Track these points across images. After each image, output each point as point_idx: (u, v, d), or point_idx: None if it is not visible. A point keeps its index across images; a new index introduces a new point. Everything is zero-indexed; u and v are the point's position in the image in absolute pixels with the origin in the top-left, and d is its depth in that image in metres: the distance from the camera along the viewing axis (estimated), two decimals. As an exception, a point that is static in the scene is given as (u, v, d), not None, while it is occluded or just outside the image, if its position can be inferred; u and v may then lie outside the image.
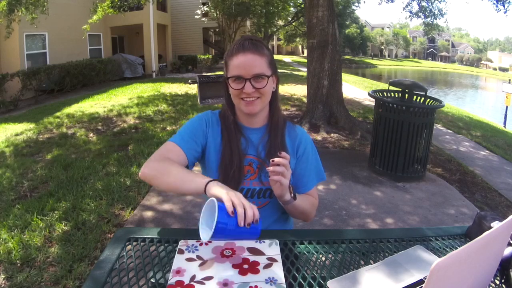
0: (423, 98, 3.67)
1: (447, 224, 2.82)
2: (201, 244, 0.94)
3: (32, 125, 5.94)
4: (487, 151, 5.17)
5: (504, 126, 8.99)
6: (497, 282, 0.84)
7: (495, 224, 0.93)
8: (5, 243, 2.37)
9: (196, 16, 17.19)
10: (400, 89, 3.79)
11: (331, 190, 3.38)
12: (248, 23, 19.62)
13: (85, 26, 8.37)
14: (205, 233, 0.82)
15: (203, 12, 17.15)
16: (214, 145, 1.15)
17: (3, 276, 2.05)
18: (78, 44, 11.88)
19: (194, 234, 1.02)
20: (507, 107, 9.20)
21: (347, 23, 38.52)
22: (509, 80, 10.31)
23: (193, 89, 9.54)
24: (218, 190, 0.87)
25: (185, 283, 0.79)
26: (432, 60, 68.03)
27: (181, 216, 2.82)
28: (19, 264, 2.17)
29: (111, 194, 3.15)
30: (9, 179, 3.54)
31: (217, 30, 19.25)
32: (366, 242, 1.01)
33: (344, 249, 0.97)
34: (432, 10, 9.99)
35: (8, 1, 6.85)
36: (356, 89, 11.69)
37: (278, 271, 0.84)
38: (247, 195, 1.12)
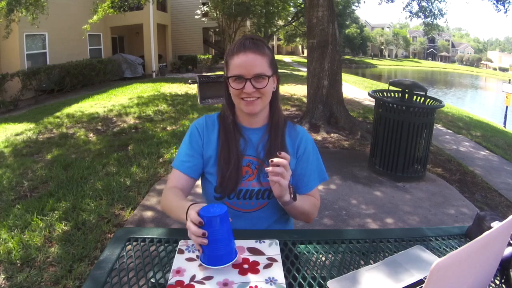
0: (423, 98, 3.67)
1: (447, 224, 2.82)
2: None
3: (32, 125, 5.94)
4: (487, 151, 5.17)
5: (504, 126, 8.99)
6: (497, 282, 0.84)
7: (495, 224, 0.93)
8: (5, 243, 2.37)
9: (196, 16, 17.18)
10: (400, 89, 3.79)
11: (331, 190, 3.38)
12: (248, 23, 19.61)
13: (85, 26, 8.37)
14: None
15: (203, 12, 17.15)
16: (211, 149, 1.15)
17: (3, 276, 2.05)
18: (78, 44, 11.88)
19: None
20: (507, 107, 9.20)
21: (347, 23, 38.51)
22: (509, 80, 10.30)
23: (193, 89, 9.55)
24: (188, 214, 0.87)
25: (185, 283, 0.79)
26: (432, 60, 68.03)
27: (181, 216, 2.81)
28: (19, 264, 2.17)
29: (111, 194, 3.15)
30: (9, 179, 3.54)
31: (217, 30, 19.25)
32: (366, 242, 1.01)
33: (344, 249, 0.97)
34: (432, 10, 9.99)
35: (8, 1, 6.85)
36: (356, 89, 11.69)
37: (278, 271, 0.84)
38: (246, 196, 1.11)
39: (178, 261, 0.88)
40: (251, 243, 0.95)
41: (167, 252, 0.94)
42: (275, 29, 22.68)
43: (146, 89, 9.58)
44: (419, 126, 3.47)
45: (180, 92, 9.11)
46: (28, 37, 10.16)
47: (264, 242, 0.96)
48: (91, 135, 5.26)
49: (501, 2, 7.56)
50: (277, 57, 37.68)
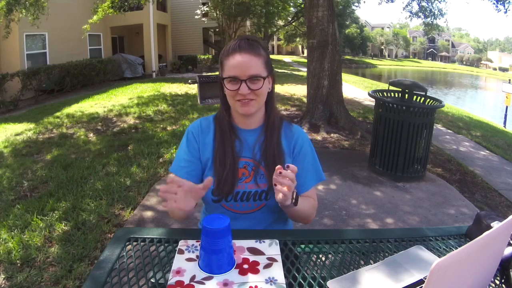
0: (423, 98, 3.67)
1: (447, 224, 2.82)
2: (200, 245, 0.94)
3: (32, 125, 5.94)
4: (487, 151, 5.17)
5: (504, 126, 8.99)
6: (497, 282, 0.84)
7: (495, 224, 0.93)
8: (5, 243, 2.37)
9: (196, 16, 17.18)
10: (400, 89, 3.79)
11: (331, 190, 3.38)
12: (248, 23, 19.62)
13: (85, 26, 8.37)
14: None
15: (203, 12, 17.15)
16: (208, 151, 1.14)
17: (3, 276, 2.06)
18: (78, 44, 11.88)
19: (194, 234, 1.02)
20: (507, 107, 9.20)
21: (347, 23, 38.51)
22: (509, 80, 10.30)
23: (193, 89, 9.55)
24: None
25: (185, 283, 0.79)
26: (432, 60, 68.03)
27: (181, 216, 2.81)
28: (19, 264, 2.17)
29: (111, 194, 3.15)
30: (9, 179, 3.54)
31: (217, 30, 19.24)
32: (366, 242, 1.01)
33: (344, 249, 0.97)
34: (432, 10, 9.99)
35: (7, 1, 6.84)
36: (356, 89, 11.69)
37: (278, 271, 0.84)
38: (243, 198, 1.11)
39: (178, 261, 0.88)
40: (251, 243, 0.95)
41: (167, 252, 0.94)
42: (275, 29, 22.69)
43: (146, 89, 9.58)
44: (419, 126, 3.47)
45: (180, 92, 9.11)
46: (28, 37, 10.16)
47: (264, 242, 0.96)
48: (91, 135, 5.26)
49: (501, 2, 7.56)
50: (277, 57, 37.84)
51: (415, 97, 3.70)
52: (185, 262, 0.87)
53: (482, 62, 70.12)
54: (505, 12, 7.64)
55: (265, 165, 1.11)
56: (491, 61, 69.06)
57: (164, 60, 16.51)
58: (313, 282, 0.83)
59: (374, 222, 2.81)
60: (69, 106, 7.63)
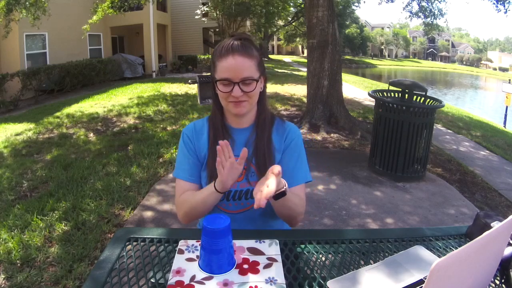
0: (423, 98, 3.67)
1: (447, 224, 2.82)
2: (200, 245, 0.94)
3: (32, 125, 5.94)
4: (487, 151, 5.17)
5: (504, 126, 8.99)
6: (497, 282, 0.84)
7: (495, 224, 0.93)
8: (5, 243, 2.37)
9: (196, 16, 17.19)
10: (400, 89, 3.79)
11: (331, 190, 3.38)
12: (248, 23, 19.63)
13: (85, 26, 8.37)
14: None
15: (203, 12, 17.15)
16: (204, 151, 1.15)
17: (3, 276, 2.06)
18: (78, 44, 11.88)
19: (194, 234, 1.02)
20: (507, 107, 9.20)
21: (347, 23, 38.55)
22: (509, 80, 10.30)
23: (193, 89, 9.55)
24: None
25: (185, 283, 0.79)
26: (432, 60, 68.03)
27: (181, 216, 2.81)
28: (19, 264, 2.17)
29: (111, 194, 3.15)
30: (9, 179, 3.54)
31: (217, 30, 19.25)
32: (366, 242, 1.01)
33: (344, 249, 0.97)
34: (432, 10, 10.00)
35: (7, 1, 6.84)
36: (356, 89, 11.69)
37: (278, 271, 0.84)
38: (235, 197, 1.11)
39: (178, 261, 0.88)
40: (251, 243, 0.95)
41: (167, 252, 0.94)
42: (275, 29, 22.71)
43: (146, 89, 9.58)
44: (419, 126, 3.47)
45: (180, 92, 9.11)
46: (28, 37, 10.16)
47: (264, 242, 0.96)
48: (91, 135, 5.26)
49: (501, 2, 7.57)
50: (277, 57, 37.85)
51: (415, 97, 3.70)
52: (185, 262, 0.87)
53: (482, 62, 70.13)
54: (505, 12, 7.66)
55: (255, 162, 1.12)
56: (491, 61, 69.06)
57: (164, 60, 16.51)
58: (313, 282, 0.83)
59: (374, 222, 2.81)
60: (69, 106, 7.63)
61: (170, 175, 3.57)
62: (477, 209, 3.12)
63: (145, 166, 3.85)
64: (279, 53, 49.14)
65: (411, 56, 69.54)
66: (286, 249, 0.95)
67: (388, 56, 65.87)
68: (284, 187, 0.95)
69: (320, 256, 0.94)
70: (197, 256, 0.89)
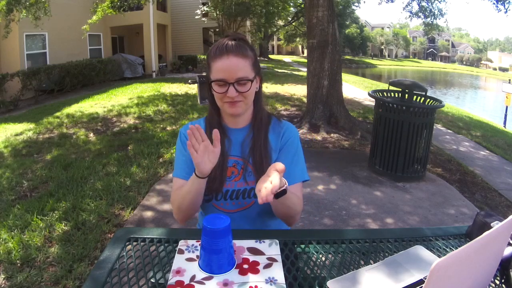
0: (423, 98, 3.67)
1: (447, 224, 2.82)
2: (201, 245, 0.94)
3: (32, 125, 5.94)
4: (487, 151, 5.17)
5: (504, 126, 8.99)
6: (497, 282, 0.84)
7: (495, 224, 0.93)
8: (5, 243, 2.37)
9: (196, 16, 17.19)
10: (400, 89, 3.79)
11: (331, 190, 3.38)
12: (248, 23, 19.63)
13: (84, 26, 8.36)
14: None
15: (203, 12, 17.15)
16: None
17: (3, 276, 2.06)
18: (78, 44, 11.88)
19: (194, 234, 1.02)
20: (507, 107, 9.20)
21: (347, 23, 38.56)
22: (509, 80, 10.30)
23: (193, 89, 9.54)
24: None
25: (185, 283, 0.79)
26: (432, 60, 68.03)
27: (181, 216, 2.81)
28: (19, 264, 2.17)
29: (111, 194, 3.15)
30: (9, 179, 3.54)
31: (217, 30, 19.25)
32: (366, 242, 1.01)
33: (344, 249, 0.97)
34: (432, 10, 9.99)
35: (7, 1, 6.84)
36: (356, 89, 11.69)
37: (278, 271, 0.84)
38: (232, 196, 1.12)
39: (178, 261, 0.88)
40: (251, 243, 0.95)
41: (167, 252, 0.94)
42: (275, 29, 22.71)
43: (146, 89, 9.58)
44: (419, 126, 3.47)
45: (180, 92, 9.11)
46: (28, 37, 10.16)
47: (264, 242, 0.96)
48: (91, 135, 5.26)
49: (501, 2, 7.56)
50: (277, 57, 37.83)
51: (415, 97, 3.70)
52: (185, 262, 0.87)
53: (482, 62, 70.13)
54: (505, 12, 7.65)
55: (252, 162, 1.12)
56: (491, 61, 69.06)
57: (164, 60, 16.51)
58: (313, 282, 0.83)
59: (374, 222, 2.81)
60: (69, 106, 7.63)
61: (170, 175, 3.57)
62: (477, 209, 3.12)
63: (145, 166, 3.85)
64: (279, 53, 49.12)
65: (411, 56, 69.55)
66: (286, 249, 0.95)
67: (388, 56, 65.87)
68: (285, 185, 0.94)
69: (320, 256, 0.94)
70: (197, 256, 0.89)
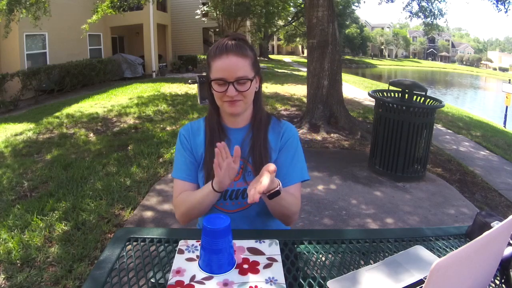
0: (423, 98, 3.67)
1: (447, 224, 2.82)
2: (201, 244, 0.94)
3: (32, 125, 5.94)
4: (487, 151, 5.17)
5: (504, 126, 8.99)
6: (497, 282, 0.84)
7: (495, 224, 0.93)
8: (5, 243, 2.37)
9: (196, 16, 17.19)
10: (400, 89, 3.79)
11: (331, 190, 3.38)
12: (248, 23, 19.63)
13: (84, 26, 8.35)
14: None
15: (203, 12, 17.16)
16: (200, 151, 1.16)
17: (3, 276, 2.06)
18: (78, 44, 11.88)
19: (194, 234, 1.02)
20: (507, 107, 9.20)
21: (347, 23, 38.54)
22: (509, 80, 10.30)
23: (193, 89, 9.54)
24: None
25: (185, 283, 0.79)
26: (432, 60, 68.02)
27: (181, 216, 2.81)
28: (19, 264, 2.17)
29: (111, 194, 3.15)
30: (9, 179, 3.54)
31: (217, 30, 19.26)
32: (366, 242, 1.01)
33: (344, 249, 0.97)
34: (432, 10, 9.99)
35: (8, 1, 6.84)
36: (356, 89, 11.69)
37: (278, 271, 0.84)
38: (232, 196, 1.12)
39: (178, 261, 0.88)
40: (251, 243, 0.95)
41: (167, 252, 0.94)
42: (275, 29, 22.71)
43: (146, 89, 9.58)
44: (419, 126, 3.47)
45: (180, 92, 9.11)
46: (28, 37, 10.16)
47: (264, 242, 0.96)
48: (91, 135, 5.26)
49: (501, 2, 7.56)
50: (277, 57, 37.83)
51: (415, 97, 3.70)
52: (185, 262, 0.87)
53: (482, 62, 70.11)
54: (505, 12, 7.64)
55: (252, 162, 1.12)
56: (491, 61, 69.05)
57: (164, 60, 16.51)
58: (313, 282, 0.83)
59: (374, 222, 2.81)
60: (69, 106, 7.63)
61: (170, 175, 3.57)
62: (477, 209, 3.12)
63: (145, 166, 3.85)
64: (279, 53, 49.12)
65: (411, 56, 69.54)
66: (286, 249, 0.95)
67: (388, 56, 65.87)
68: (278, 187, 0.95)
69: (320, 256, 0.94)
70: (197, 256, 0.89)
